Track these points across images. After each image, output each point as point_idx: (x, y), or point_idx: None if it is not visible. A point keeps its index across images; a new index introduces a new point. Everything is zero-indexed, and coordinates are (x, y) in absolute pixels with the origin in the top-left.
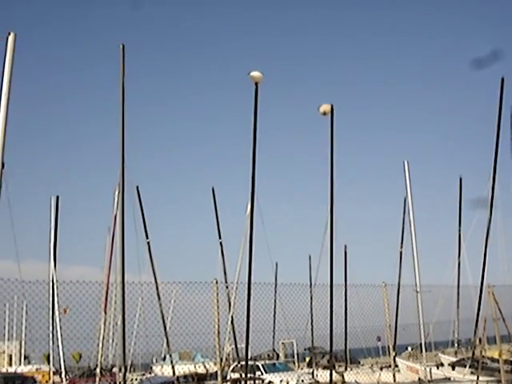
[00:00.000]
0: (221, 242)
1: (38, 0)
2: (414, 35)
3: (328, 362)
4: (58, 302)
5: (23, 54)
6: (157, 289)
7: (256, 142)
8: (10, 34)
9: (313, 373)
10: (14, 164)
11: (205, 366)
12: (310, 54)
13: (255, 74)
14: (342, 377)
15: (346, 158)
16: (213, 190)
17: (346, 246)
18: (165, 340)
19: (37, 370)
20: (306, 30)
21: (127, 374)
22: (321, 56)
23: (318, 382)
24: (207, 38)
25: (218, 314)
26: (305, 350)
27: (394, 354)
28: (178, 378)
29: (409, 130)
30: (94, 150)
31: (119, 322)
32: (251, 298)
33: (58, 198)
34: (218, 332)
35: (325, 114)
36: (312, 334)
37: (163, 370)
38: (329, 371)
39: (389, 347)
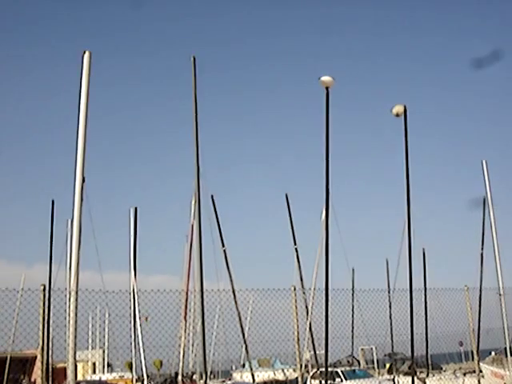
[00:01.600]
0: (296, 249)
1: (110, 15)
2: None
3: (409, 368)
4: (139, 311)
5: (98, 70)
6: (234, 296)
7: (329, 146)
8: (85, 52)
9: (394, 379)
10: (95, 178)
11: (284, 373)
12: (380, 54)
13: (326, 78)
14: (424, 383)
15: (421, 159)
16: (286, 196)
17: (424, 249)
18: (243, 347)
19: (120, 377)
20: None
21: (208, 381)
22: (390, 57)
23: None
24: (277, 43)
25: (297, 320)
26: (385, 356)
27: (477, 358)
28: None
29: (486, 128)
30: (169, 160)
31: (199, 329)
32: (329, 304)
33: (136, 209)
34: (298, 339)
35: (398, 115)
36: (392, 340)
37: (243, 377)
38: (410, 378)
39: (472, 352)
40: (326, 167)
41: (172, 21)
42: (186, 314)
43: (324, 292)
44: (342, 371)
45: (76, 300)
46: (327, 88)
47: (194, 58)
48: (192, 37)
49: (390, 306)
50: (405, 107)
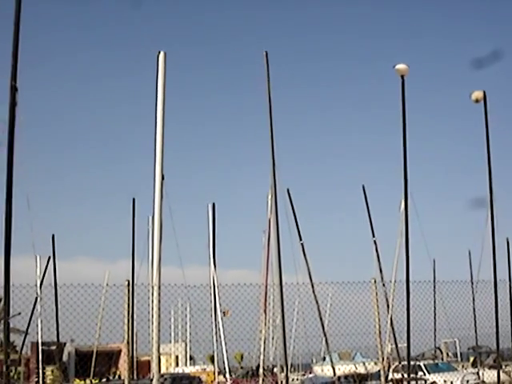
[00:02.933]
0: (375, 241)
1: (184, 16)
2: None
3: (494, 361)
4: (219, 305)
5: (173, 69)
6: (313, 289)
7: (406, 136)
8: (159, 52)
9: (478, 373)
10: (174, 175)
11: (365, 366)
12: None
13: (401, 66)
14: (510, 377)
15: (503, 147)
16: (363, 187)
17: (508, 240)
18: (323, 340)
19: (202, 370)
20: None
21: (288, 374)
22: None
23: (483, 382)
24: (346, 37)
25: (379, 313)
26: (468, 349)
27: None
28: (338, 378)
29: None
30: (246, 155)
31: (278, 323)
32: (410, 296)
33: (214, 204)
34: (379, 332)
35: (477, 101)
36: (476, 333)
37: (323, 370)
38: (495, 371)
39: None
40: (403, 157)
41: (242, 15)
42: (265, 307)
43: (405, 284)
44: (424, 364)
45: (159, 294)
46: (402, 76)
47: (267, 53)
48: (264, 31)
49: (473, 298)
50: (484, 93)
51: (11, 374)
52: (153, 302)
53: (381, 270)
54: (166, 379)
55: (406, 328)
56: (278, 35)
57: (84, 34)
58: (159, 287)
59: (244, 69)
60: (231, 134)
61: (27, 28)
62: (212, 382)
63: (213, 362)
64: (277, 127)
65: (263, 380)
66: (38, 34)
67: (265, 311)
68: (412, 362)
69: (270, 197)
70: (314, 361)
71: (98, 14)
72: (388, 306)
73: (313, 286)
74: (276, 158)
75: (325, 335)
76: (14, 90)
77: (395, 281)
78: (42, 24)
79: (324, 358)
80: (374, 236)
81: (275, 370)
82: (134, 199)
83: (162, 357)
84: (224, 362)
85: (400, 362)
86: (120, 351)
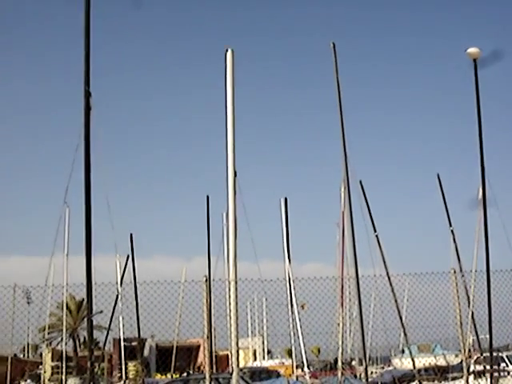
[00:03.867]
0: (452, 230)
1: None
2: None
3: None
4: (295, 298)
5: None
6: (389, 281)
7: (481, 123)
8: (227, 50)
9: None
10: (245, 171)
11: (445, 359)
12: None
13: (472, 50)
14: None
15: None
16: (438, 176)
17: None
18: (402, 332)
19: (280, 364)
20: None
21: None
22: None
23: None
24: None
25: (459, 304)
26: None
27: None
28: (418, 370)
29: None
30: (317, 148)
31: (356, 316)
32: (491, 286)
33: (286, 199)
34: (461, 323)
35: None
36: None
37: (402, 363)
38: None
39: None
40: (480, 145)
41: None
42: (342, 300)
43: (485, 274)
44: (507, 356)
45: (236, 289)
46: (475, 60)
47: (334, 45)
48: (330, 23)
49: None
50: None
51: (95, 369)
52: (230, 297)
53: (459, 260)
54: (244, 373)
55: (487, 319)
56: (344, 30)
57: (154, 34)
58: (236, 282)
59: (313, 61)
60: (302, 128)
61: (98, 33)
62: (290, 375)
63: (290, 355)
64: (347, 119)
65: (342, 373)
66: (110, 39)
67: (342, 304)
68: (494, 354)
69: (342, 189)
70: (393, 353)
71: (164, 14)
72: (468, 296)
73: (389, 278)
74: (348, 150)
75: (403, 327)
76: (87, 94)
77: (475, 271)
78: (113, 28)
79: (403, 351)
80: (450, 226)
81: (353, 363)
82: (207, 196)
83: (240, 351)
84: (302, 356)
85: (482, 354)
86: (199, 346)
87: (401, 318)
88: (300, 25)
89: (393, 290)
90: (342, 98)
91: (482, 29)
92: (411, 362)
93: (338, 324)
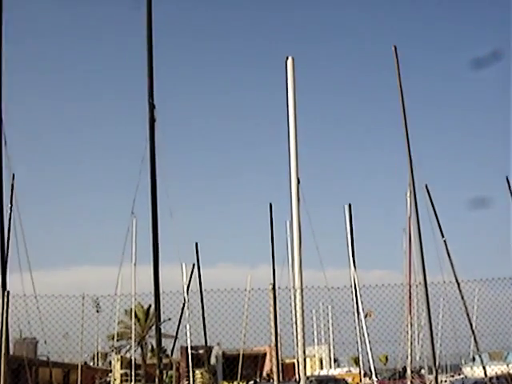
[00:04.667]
0: None
1: (314, 21)
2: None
3: None
4: (362, 306)
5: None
6: (459, 287)
7: None
8: (288, 58)
9: None
10: (308, 178)
11: None
12: None
13: None
14: None
15: None
16: (507, 179)
17: None
18: (472, 340)
19: (347, 372)
20: None
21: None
22: None
23: None
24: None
25: None
26: None
27: None
28: (490, 379)
29: None
30: (380, 153)
31: (424, 323)
32: None
33: (350, 205)
34: None
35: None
36: None
37: (474, 371)
38: None
39: None
40: None
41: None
42: (410, 307)
43: None
44: None
45: (301, 298)
46: None
47: (395, 47)
48: (391, 27)
49: None
50: None
51: (163, 377)
52: (296, 305)
53: None
54: (311, 381)
55: None
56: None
57: (215, 44)
58: (301, 290)
59: (375, 67)
60: (365, 133)
61: (161, 47)
62: None
63: (357, 363)
64: (412, 123)
65: (411, 382)
66: (173, 53)
67: (410, 312)
68: None
69: (408, 194)
70: (464, 362)
71: (226, 23)
72: None
73: (459, 285)
74: (413, 155)
75: (474, 335)
76: (152, 107)
77: None
78: (176, 43)
79: (474, 359)
80: None
81: (422, 371)
82: (270, 204)
83: (306, 359)
84: (369, 364)
85: None
86: (265, 354)
87: (471, 324)
88: (360, 28)
89: (462, 297)
90: (405, 102)
91: None
92: (482, 371)
93: (407, 332)
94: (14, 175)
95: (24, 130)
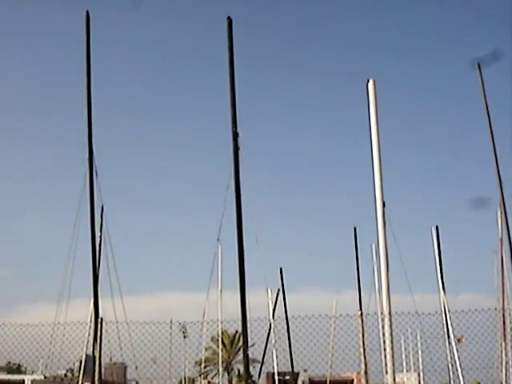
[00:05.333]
0: None
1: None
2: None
3: None
4: (452, 332)
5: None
6: None
7: None
8: (368, 80)
9: None
10: (394, 201)
11: None
12: None
13: None
14: None
15: None
16: None
17: None
18: None
19: None
20: None
21: None
22: None
23: None
24: None
25: None
26: None
27: None
28: None
29: None
30: (467, 173)
31: None
32: None
33: (437, 227)
34: None
35: None
36: None
37: None
38: None
39: None
40: None
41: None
42: (504, 333)
43: None
44: None
45: (390, 324)
46: None
47: (479, 64)
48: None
49: None
50: None
51: None
52: (385, 331)
53: None
54: None
55: None
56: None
57: (293, 69)
58: (390, 316)
59: (455, 86)
60: (450, 152)
61: (244, 76)
62: None
63: None
64: (500, 142)
65: None
66: (256, 81)
67: (504, 337)
68: None
69: (499, 214)
70: None
71: (299, 48)
72: None
73: None
74: (502, 172)
75: None
76: (235, 135)
77: None
78: (258, 73)
79: None
80: None
81: None
82: (355, 228)
83: None
84: None
85: None
86: (352, 381)
87: None
88: (440, 47)
89: None
90: (491, 118)
91: None
92: None
93: (501, 358)
94: (103, 206)
95: (112, 159)
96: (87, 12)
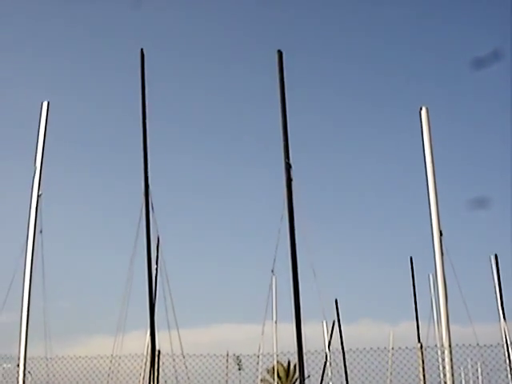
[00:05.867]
0: None
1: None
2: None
3: None
4: None
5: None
6: None
7: None
8: (421, 108)
9: None
10: (451, 230)
11: None
12: None
13: None
14: None
15: None
16: None
17: None
18: None
19: None
20: None
21: None
22: None
23: None
24: None
25: None
26: None
27: None
28: None
29: None
30: None
31: None
32: None
33: (496, 256)
34: None
35: None
36: None
37: None
38: None
39: None
40: None
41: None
42: None
43: None
44: None
45: (451, 357)
46: None
47: None
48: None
49: None
50: None
51: None
52: (445, 364)
53: None
54: None
55: None
56: None
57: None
58: (451, 349)
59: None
60: (505, 175)
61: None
62: None
63: None
64: None
65: None
66: (308, 113)
67: None
68: None
69: None
70: None
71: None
72: None
73: None
74: None
75: None
76: (288, 167)
77: None
78: (312, 105)
79: None
80: None
81: None
82: (411, 258)
83: None
84: None
85: None
86: None
87: None
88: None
89: None
90: None
91: None
92: None
93: None
94: (159, 238)
95: (167, 191)
96: (142, 50)
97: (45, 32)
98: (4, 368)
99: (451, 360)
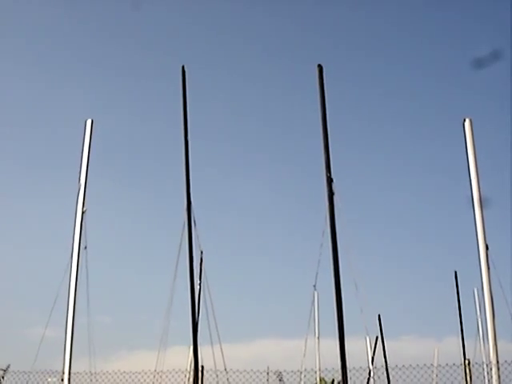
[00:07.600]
0: None
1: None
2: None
3: None
4: None
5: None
6: None
7: None
8: (465, 120)
9: None
10: (498, 244)
11: None
12: None
13: None
14: None
15: None
16: None
17: None
18: None
19: None
20: None
21: None
22: None
23: None
24: None
25: None
26: None
27: None
28: None
29: None
30: None
31: None
32: None
33: None
34: None
35: None
36: None
37: None
38: None
39: None
40: None
41: None
42: None
43: None
44: None
45: (499, 374)
46: None
47: None
48: None
49: None
50: None
51: None
52: (492, 381)
53: None
54: None
55: None
56: None
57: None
58: (498, 365)
59: None
60: None
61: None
62: None
63: None
64: None
65: None
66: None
67: None
68: None
69: None
70: None
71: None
72: None
73: None
74: None
75: None
76: (329, 180)
77: None
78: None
79: None
80: None
81: None
82: (455, 272)
83: None
84: None
85: None
86: None
87: None
88: None
89: None
90: None
91: None
92: None
93: None
94: (202, 252)
95: (209, 207)
96: (183, 67)
97: (89, 50)
98: (49, 382)
99: (499, 377)
